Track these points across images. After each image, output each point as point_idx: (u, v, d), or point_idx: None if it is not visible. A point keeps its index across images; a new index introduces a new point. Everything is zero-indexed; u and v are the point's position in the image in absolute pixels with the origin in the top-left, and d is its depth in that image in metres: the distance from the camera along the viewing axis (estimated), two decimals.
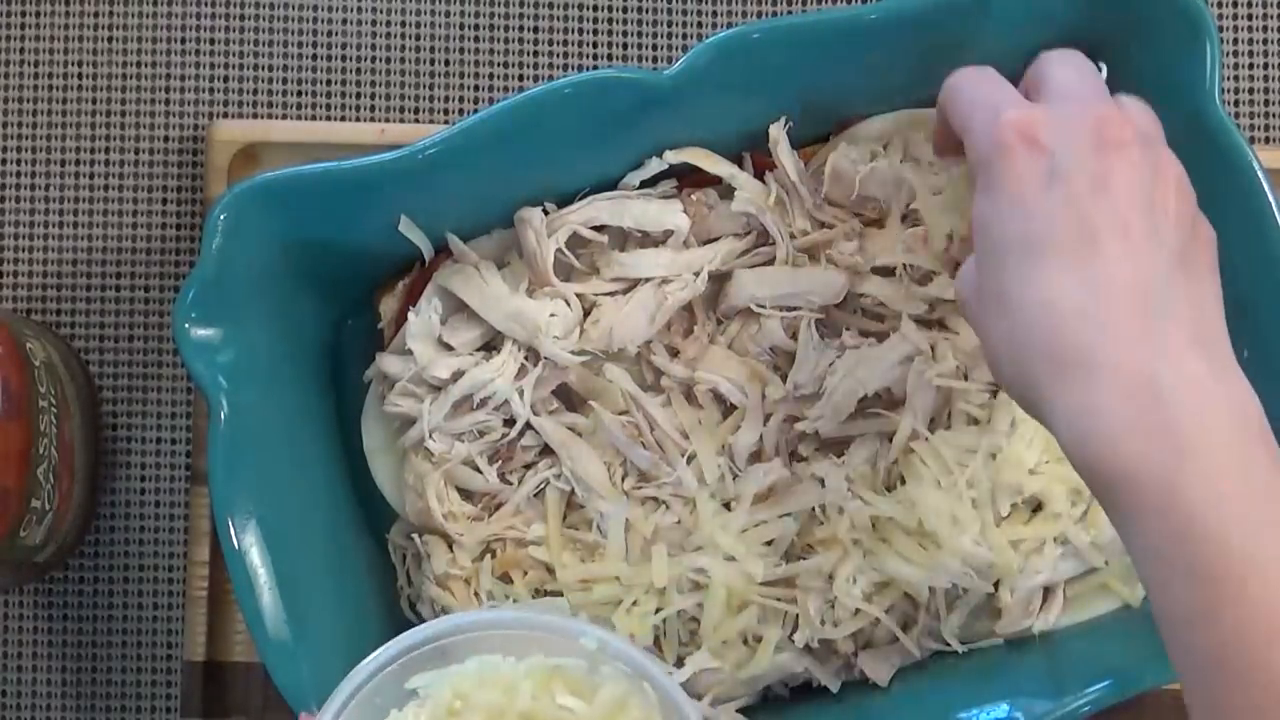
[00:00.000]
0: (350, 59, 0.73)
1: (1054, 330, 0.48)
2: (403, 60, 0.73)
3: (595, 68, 0.73)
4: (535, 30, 0.74)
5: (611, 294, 0.65)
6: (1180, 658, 0.47)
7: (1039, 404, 0.50)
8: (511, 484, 0.64)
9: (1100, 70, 0.57)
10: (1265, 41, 0.75)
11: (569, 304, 0.64)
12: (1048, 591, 0.65)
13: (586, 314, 0.64)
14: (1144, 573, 0.48)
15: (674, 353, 0.65)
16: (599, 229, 0.65)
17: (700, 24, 0.74)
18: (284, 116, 0.73)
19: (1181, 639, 0.46)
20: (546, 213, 0.65)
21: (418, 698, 0.53)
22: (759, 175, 0.66)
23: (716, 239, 0.65)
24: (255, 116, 0.73)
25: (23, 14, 0.73)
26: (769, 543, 0.63)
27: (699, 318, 0.65)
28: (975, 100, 0.54)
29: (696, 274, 0.64)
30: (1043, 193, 0.50)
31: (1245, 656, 0.45)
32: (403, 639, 0.53)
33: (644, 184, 0.66)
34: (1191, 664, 0.46)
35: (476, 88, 0.73)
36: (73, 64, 0.72)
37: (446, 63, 0.73)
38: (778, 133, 0.65)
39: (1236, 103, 0.74)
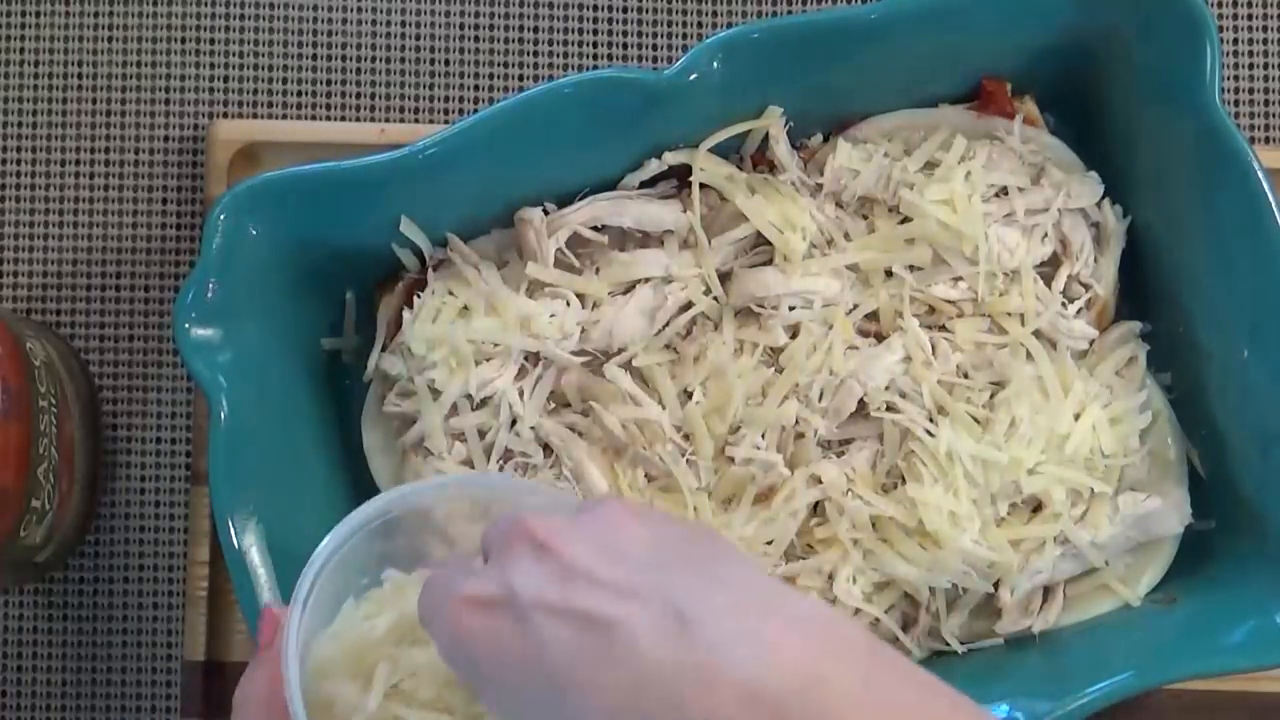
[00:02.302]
0: (350, 59, 0.73)
1: (633, 714, 0.43)
2: (403, 60, 0.73)
3: (595, 68, 0.73)
4: (535, 30, 0.74)
5: (611, 294, 0.65)
6: None
7: None
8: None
9: None
10: (1265, 41, 0.75)
11: (569, 304, 0.64)
12: (1048, 591, 0.65)
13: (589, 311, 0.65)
14: None
15: (674, 352, 0.65)
16: (599, 229, 0.65)
17: (700, 24, 0.74)
18: (284, 116, 0.73)
19: None
20: (546, 213, 0.65)
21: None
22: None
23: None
24: (255, 116, 0.73)
25: (23, 14, 0.73)
26: (769, 543, 0.63)
27: (700, 321, 0.65)
28: (428, 607, 0.49)
29: (698, 276, 0.64)
30: (520, 637, 0.45)
31: None
32: (355, 516, 0.52)
33: (644, 184, 0.66)
34: None
35: (476, 88, 0.73)
36: (73, 64, 0.72)
37: (446, 63, 0.73)
38: (777, 132, 0.65)
39: (1236, 103, 0.74)
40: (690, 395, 0.64)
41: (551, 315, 0.63)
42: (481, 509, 0.55)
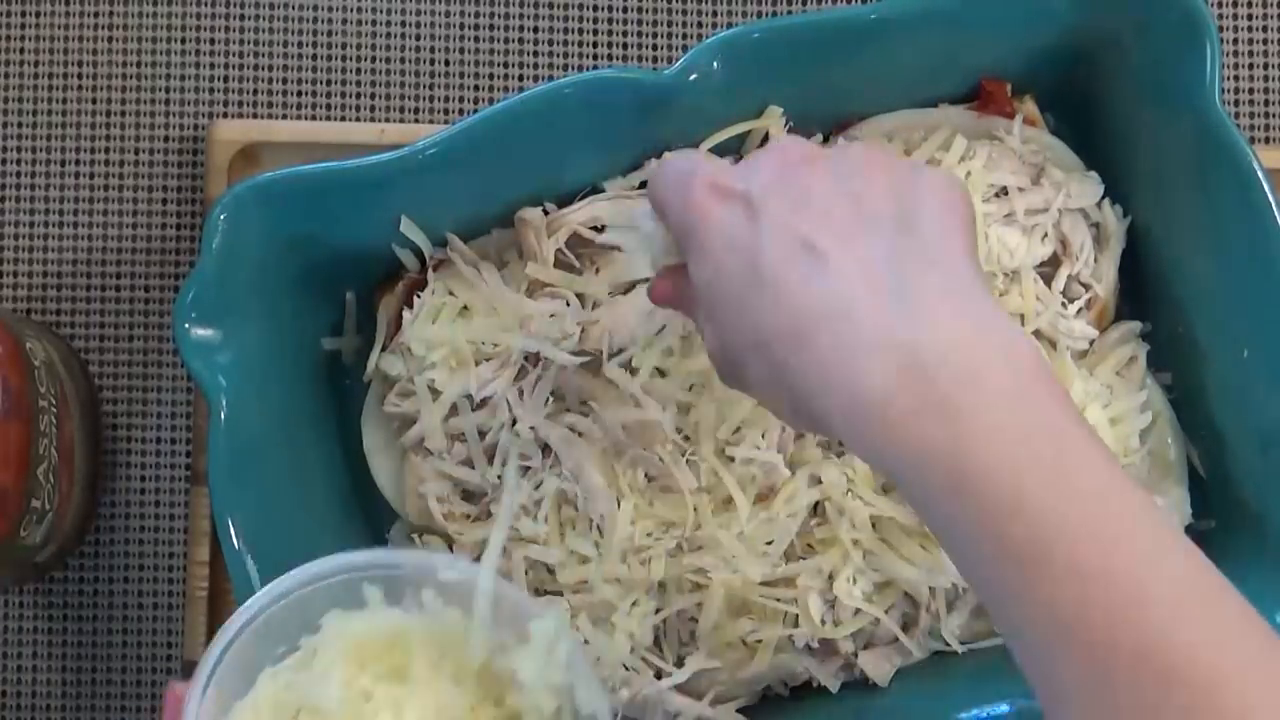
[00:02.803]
0: (350, 59, 0.73)
1: (808, 341, 0.48)
2: (403, 60, 0.73)
3: (595, 68, 0.73)
4: (535, 30, 0.74)
5: (611, 294, 0.65)
6: (1007, 633, 0.46)
7: (819, 417, 0.49)
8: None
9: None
10: (1265, 41, 0.75)
11: (569, 304, 0.64)
12: None
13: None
14: (947, 549, 0.47)
15: (673, 353, 0.65)
16: (599, 229, 0.65)
17: (700, 24, 0.74)
18: (284, 116, 0.73)
19: (1003, 616, 0.46)
20: (546, 213, 0.65)
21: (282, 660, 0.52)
22: None
23: None
24: (255, 116, 0.73)
25: (23, 14, 0.73)
26: (769, 543, 0.63)
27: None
28: (667, 181, 0.54)
29: None
30: (749, 230, 0.50)
31: (1070, 630, 0.44)
32: (266, 591, 0.51)
33: (644, 184, 0.66)
34: (1018, 639, 0.46)
35: (476, 88, 0.73)
36: (73, 64, 0.72)
37: (446, 63, 0.73)
38: (777, 132, 0.65)
39: (1236, 103, 0.74)
40: (690, 395, 0.64)
41: (551, 315, 0.63)
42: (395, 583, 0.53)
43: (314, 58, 0.73)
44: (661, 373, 0.64)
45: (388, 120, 0.73)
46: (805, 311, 0.48)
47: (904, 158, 0.52)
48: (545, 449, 0.64)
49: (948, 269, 0.49)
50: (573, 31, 0.74)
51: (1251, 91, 0.74)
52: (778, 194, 0.50)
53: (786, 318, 0.48)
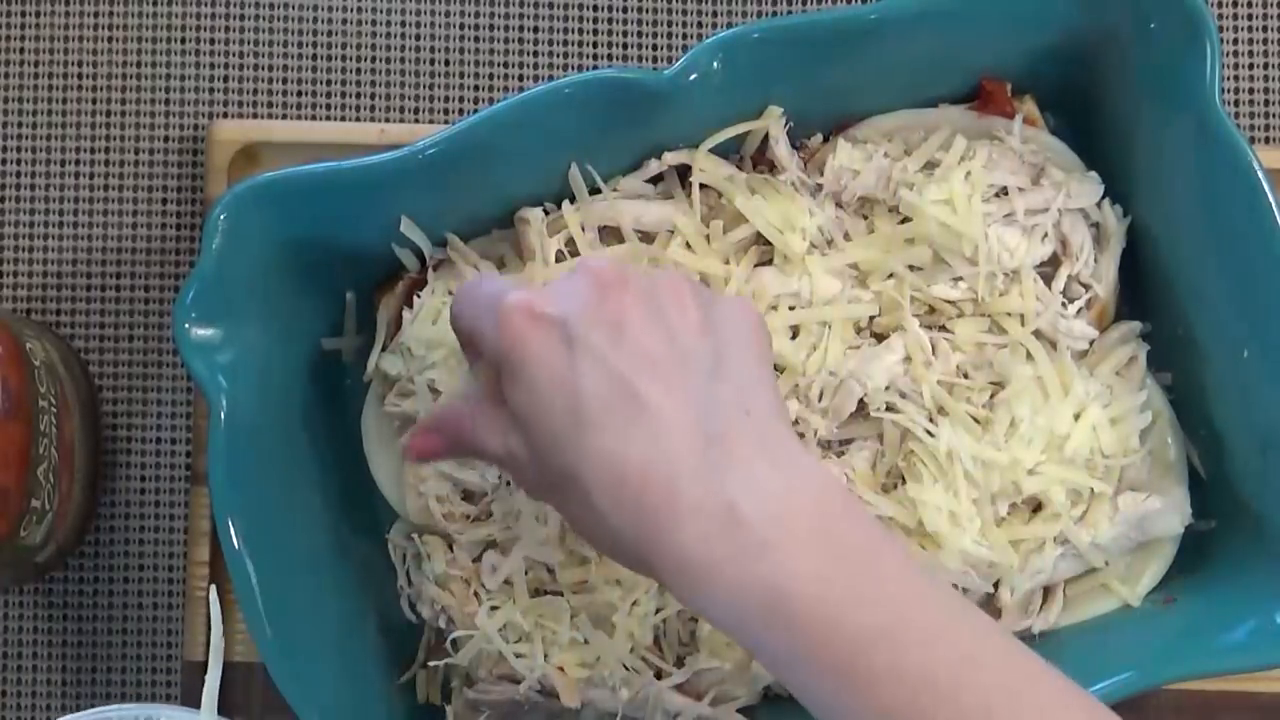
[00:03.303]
0: (350, 59, 0.73)
1: (634, 492, 0.49)
2: (403, 60, 0.73)
3: (595, 68, 0.73)
4: (535, 30, 0.74)
5: None
6: None
7: (645, 562, 0.50)
8: (512, 484, 0.64)
9: None
10: (1265, 41, 0.75)
11: None
12: (1048, 591, 0.65)
13: None
14: (783, 680, 0.49)
15: None
16: (600, 229, 0.65)
17: (700, 24, 0.74)
18: (284, 116, 0.73)
19: None
20: (546, 213, 0.65)
21: None
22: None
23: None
24: (255, 116, 0.73)
25: (23, 14, 0.73)
26: None
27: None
28: (477, 300, 0.54)
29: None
30: (568, 363, 0.50)
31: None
32: None
33: (652, 180, 0.66)
34: None
35: (476, 88, 0.73)
36: (73, 64, 0.72)
37: (446, 63, 0.73)
38: (777, 132, 0.65)
39: (1236, 103, 0.74)
40: None
41: None
42: None
43: (314, 58, 0.73)
44: None
45: (388, 120, 0.73)
46: (632, 464, 0.49)
47: (702, 286, 0.54)
48: None
49: (759, 417, 0.50)
50: (573, 31, 0.74)
51: (1251, 91, 0.74)
52: (594, 323, 0.50)
53: (607, 467, 0.49)
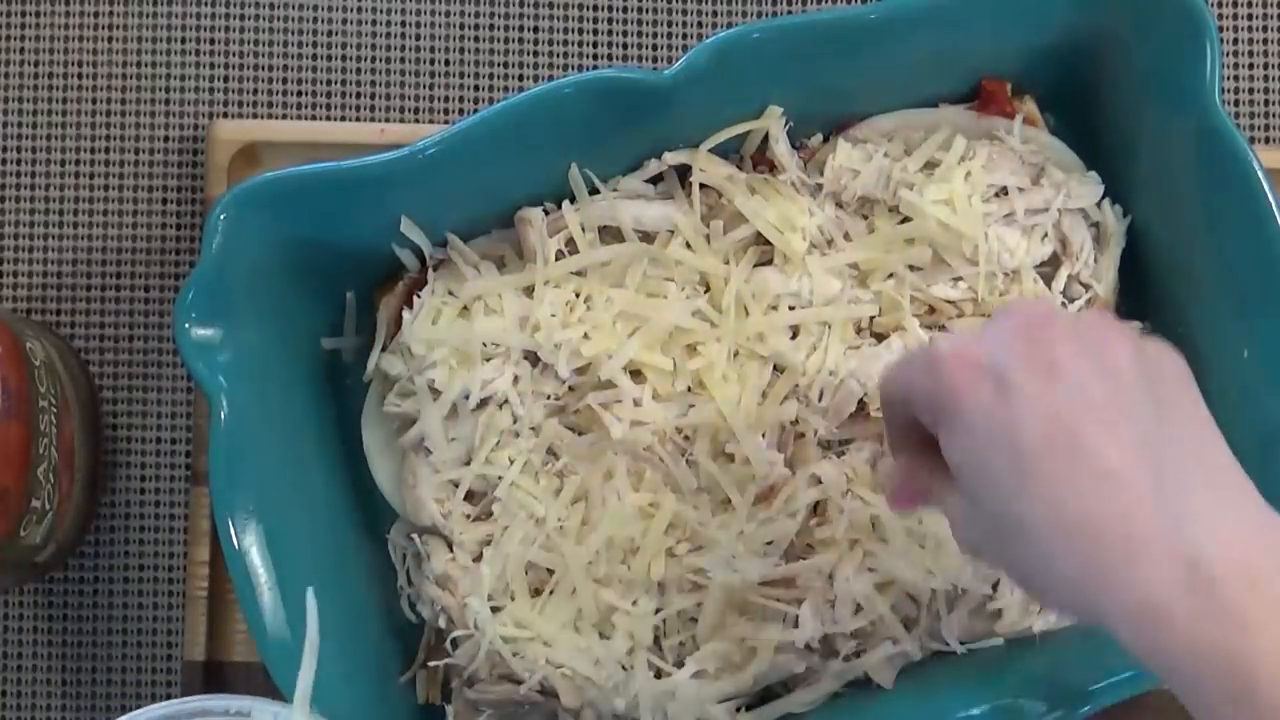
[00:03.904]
0: (350, 59, 0.73)
1: (1082, 539, 0.47)
2: (403, 60, 0.73)
3: (595, 68, 0.73)
4: (535, 30, 0.74)
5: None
6: None
7: (1091, 610, 0.48)
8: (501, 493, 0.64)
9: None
10: (1265, 41, 0.75)
11: (569, 304, 0.64)
12: None
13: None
14: None
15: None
16: (600, 229, 0.65)
17: (700, 24, 0.74)
18: (284, 116, 0.73)
19: None
20: (546, 213, 0.65)
21: None
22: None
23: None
24: (255, 116, 0.73)
25: (23, 14, 0.73)
26: (769, 543, 0.63)
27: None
28: (907, 367, 0.54)
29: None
30: (1004, 410, 0.49)
31: None
32: None
33: (652, 180, 0.66)
34: None
35: (476, 88, 0.73)
36: (73, 64, 0.72)
37: (446, 63, 0.73)
38: (777, 132, 0.65)
39: (1236, 103, 0.74)
40: (690, 394, 0.64)
41: (552, 315, 0.63)
42: None
43: (314, 58, 0.73)
44: (661, 373, 0.64)
45: (388, 120, 0.73)
46: (1076, 511, 0.47)
47: (1126, 325, 0.52)
48: (545, 449, 0.64)
49: (1212, 464, 0.49)
50: (573, 31, 0.74)
51: (1251, 91, 0.74)
52: (1026, 367, 0.49)
53: (1054, 513, 0.48)
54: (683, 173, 0.66)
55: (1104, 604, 0.47)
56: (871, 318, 0.65)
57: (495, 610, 0.63)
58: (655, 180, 0.66)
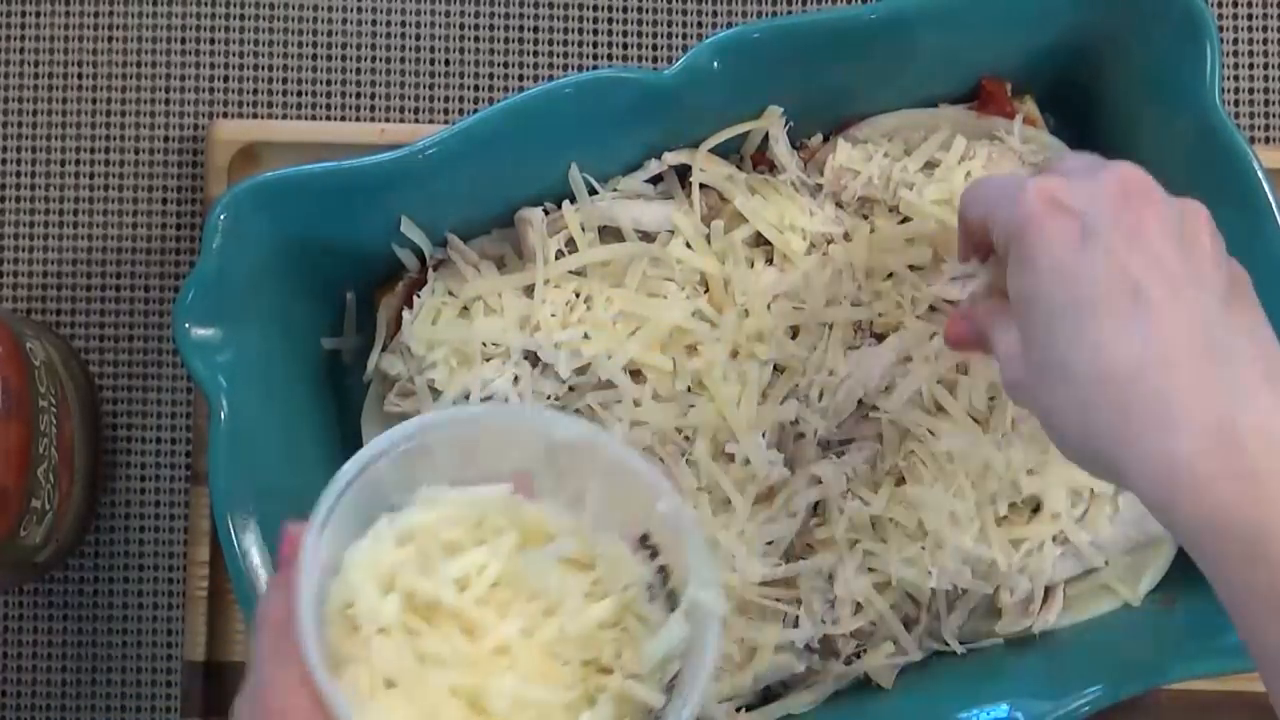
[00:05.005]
0: (350, 59, 0.73)
1: (1121, 389, 0.48)
2: (403, 60, 0.73)
3: (595, 68, 0.73)
4: (535, 30, 0.74)
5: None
6: None
7: (1115, 464, 0.49)
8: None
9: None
10: (1265, 41, 0.75)
11: (569, 304, 0.64)
12: (1048, 591, 0.65)
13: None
14: (1237, 618, 0.47)
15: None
16: (600, 229, 0.65)
17: (700, 24, 0.74)
18: (284, 116, 0.73)
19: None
20: (546, 213, 0.65)
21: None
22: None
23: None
24: (255, 116, 0.73)
25: (23, 14, 0.73)
26: (769, 543, 0.63)
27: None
28: (994, 187, 0.54)
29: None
30: (1080, 253, 0.49)
31: None
32: (382, 439, 0.51)
33: (652, 181, 0.66)
34: None
35: (476, 88, 0.73)
36: (73, 64, 0.72)
37: (446, 63, 0.73)
38: (777, 132, 0.65)
39: (1236, 103, 0.74)
40: (690, 394, 0.64)
41: (552, 315, 0.63)
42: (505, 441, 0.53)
43: (314, 58, 0.73)
44: (661, 373, 0.64)
45: (388, 120, 0.73)
46: (1124, 359, 0.48)
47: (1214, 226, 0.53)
48: None
49: (1264, 346, 0.49)
50: (573, 31, 0.74)
51: (1251, 91, 0.74)
52: (1112, 223, 0.49)
53: (1103, 360, 0.48)
54: (683, 173, 0.66)
55: (1130, 459, 0.48)
56: (871, 318, 0.65)
57: None
58: (655, 180, 0.66)
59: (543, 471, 0.53)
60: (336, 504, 0.49)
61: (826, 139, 0.68)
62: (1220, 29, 0.70)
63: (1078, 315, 0.49)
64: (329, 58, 0.73)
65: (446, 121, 0.73)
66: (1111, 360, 0.48)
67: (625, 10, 0.74)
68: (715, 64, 0.61)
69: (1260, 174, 0.61)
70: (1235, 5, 0.75)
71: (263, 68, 0.73)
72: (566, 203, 0.65)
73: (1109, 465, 0.49)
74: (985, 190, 0.55)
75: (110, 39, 0.73)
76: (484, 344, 0.64)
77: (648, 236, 0.65)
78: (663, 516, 0.51)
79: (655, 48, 0.74)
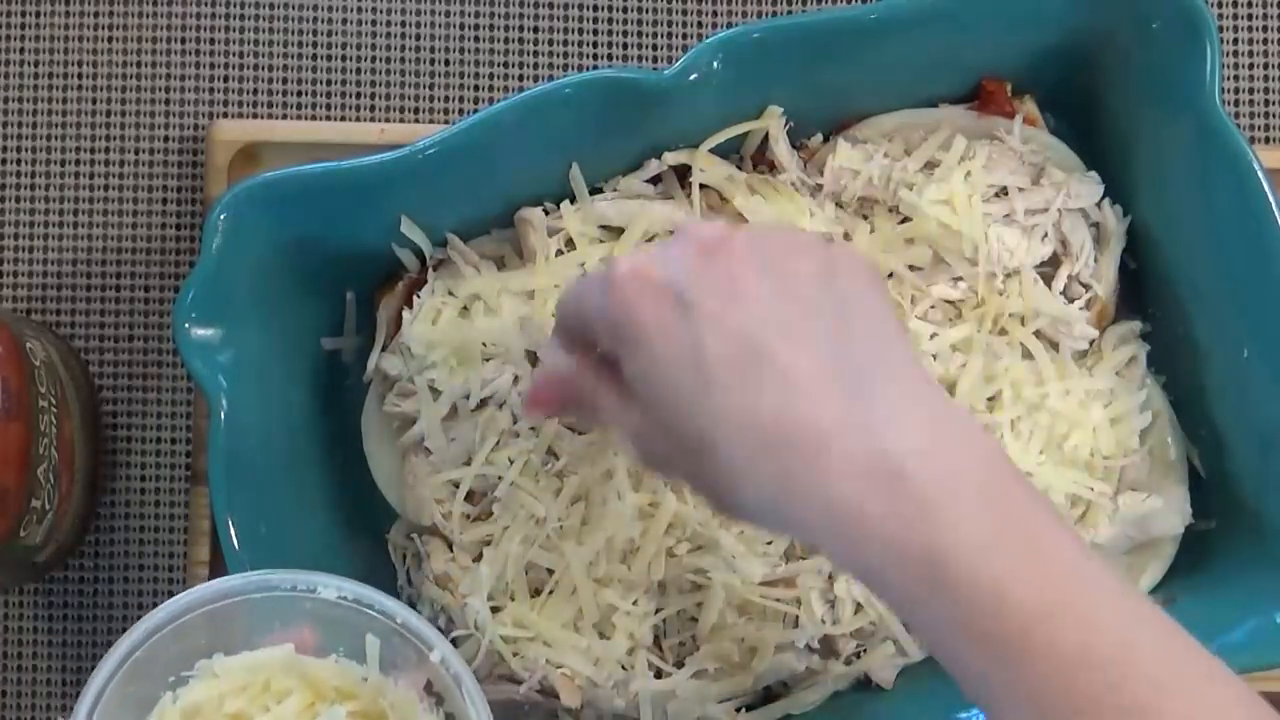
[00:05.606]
0: (350, 59, 0.73)
1: (766, 444, 0.47)
2: (403, 60, 0.73)
3: (595, 68, 0.73)
4: (535, 30, 0.74)
5: None
6: (994, 715, 0.46)
7: (791, 522, 0.48)
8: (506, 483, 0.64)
9: None
10: (1265, 41, 0.75)
11: None
12: None
13: None
14: (936, 651, 0.48)
15: None
16: (599, 229, 0.65)
17: (700, 24, 0.74)
18: (284, 116, 0.73)
19: (987, 700, 0.46)
20: (546, 213, 0.65)
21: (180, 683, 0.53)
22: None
23: None
24: (255, 116, 0.73)
25: (23, 14, 0.73)
26: (769, 543, 0.63)
27: None
28: (584, 283, 0.53)
29: None
30: (681, 323, 0.48)
31: (1056, 711, 0.44)
32: (141, 624, 0.52)
33: (652, 180, 0.66)
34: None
35: (476, 88, 0.73)
36: (73, 64, 0.72)
37: (446, 63, 0.73)
38: (777, 132, 0.65)
39: (1236, 103, 0.74)
40: None
41: (552, 315, 0.63)
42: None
43: (314, 58, 0.73)
44: None
45: (388, 120, 0.73)
46: (762, 419, 0.47)
47: (814, 236, 0.51)
48: (546, 449, 0.64)
49: (898, 367, 0.49)
50: (573, 31, 0.74)
51: (1251, 91, 0.74)
52: (705, 285, 0.48)
53: (742, 425, 0.47)
54: (683, 173, 0.66)
55: (796, 511, 0.47)
56: None
57: (495, 610, 0.63)
58: (655, 180, 0.66)
59: (322, 626, 0.54)
60: (101, 695, 0.50)
61: (826, 139, 0.68)
62: (1220, 29, 0.70)
63: (706, 388, 0.48)
64: (329, 58, 0.73)
65: (446, 121, 0.73)
66: (755, 423, 0.47)
67: (625, 10, 0.74)
68: (715, 64, 0.61)
69: (1260, 174, 0.61)
70: (1235, 5, 0.75)
71: (263, 68, 0.73)
72: (566, 203, 0.65)
73: (777, 522, 0.49)
74: (577, 289, 0.53)
75: (110, 39, 0.73)
76: (484, 344, 0.64)
77: (648, 237, 0.65)
78: (437, 666, 0.53)
79: (655, 48, 0.74)
